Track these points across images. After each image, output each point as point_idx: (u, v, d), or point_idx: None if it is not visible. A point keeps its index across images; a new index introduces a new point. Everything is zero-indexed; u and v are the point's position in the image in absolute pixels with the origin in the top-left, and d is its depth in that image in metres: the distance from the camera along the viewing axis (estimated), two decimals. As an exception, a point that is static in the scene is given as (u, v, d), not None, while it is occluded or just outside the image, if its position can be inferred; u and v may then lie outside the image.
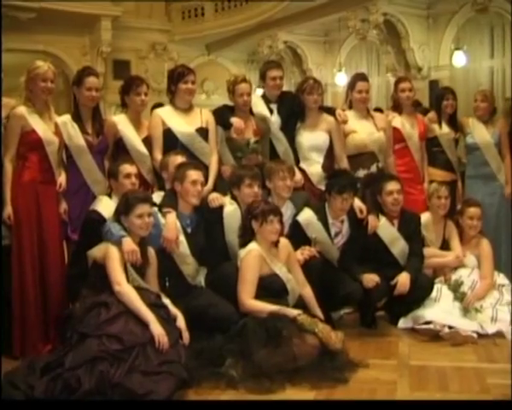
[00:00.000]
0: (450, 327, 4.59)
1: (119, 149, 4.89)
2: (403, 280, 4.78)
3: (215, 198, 4.61)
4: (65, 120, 4.70)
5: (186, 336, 3.86)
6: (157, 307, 3.81)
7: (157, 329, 3.61)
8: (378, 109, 7.14)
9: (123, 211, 4.03)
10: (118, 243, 3.93)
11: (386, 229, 5.01)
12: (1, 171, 4.42)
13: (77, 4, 12.47)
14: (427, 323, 4.67)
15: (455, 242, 5.30)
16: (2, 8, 11.44)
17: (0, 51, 5.35)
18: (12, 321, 4.39)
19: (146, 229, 4.04)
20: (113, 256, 3.88)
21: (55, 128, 4.61)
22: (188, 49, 14.57)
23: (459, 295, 4.86)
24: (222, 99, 7.58)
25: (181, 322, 3.90)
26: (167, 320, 3.79)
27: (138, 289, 3.86)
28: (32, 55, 11.00)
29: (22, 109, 4.46)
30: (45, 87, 4.51)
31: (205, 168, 4.74)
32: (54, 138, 4.56)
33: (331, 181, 4.90)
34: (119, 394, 3.31)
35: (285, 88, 5.59)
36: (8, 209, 4.36)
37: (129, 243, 3.94)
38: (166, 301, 3.98)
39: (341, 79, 12.37)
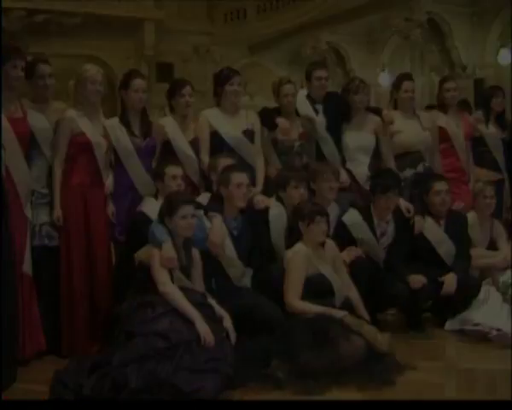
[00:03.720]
0: (498, 329, 4.52)
1: (167, 152, 4.91)
2: (449, 281, 4.73)
3: (261, 200, 4.62)
4: (113, 123, 4.74)
5: (233, 336, 3.87)
6: (202, 307, 3.83)
7: (202, 327, 3.63)
8: (431, 107, 7.04)
9: (167, 212, 4.03)
10: (160, 246, 3.95)
11: (432, 229, 4.97)
12: (50, 173, 4.50)
13: (120, 9, 12.67)
14: (475, 325, 4.61)
15: (502, 242, 5.23)
16: (49, 14, 11.76)
17: None
18: (60, 321, 4.46)
19: (190, 230, 4.04)
20: (156, 258, 3.90)
21: (103, 131, 4.67)
22: (230, 51, 14.65)
23: (508, 297, 4.78)
24: (265, 101, 7.60)
25: (228, 323, 3.90)
26: (213, 319, 3.81)
27: (183, 289, 3.88)
28: (77, 60, 11.20)
29: (72, 112, 4.52)
30: (94, 89, 4.56)
31: (251, 170, 4.76)
32: (102, 141, 4.60)
33: (375, 181, 4.88)
34: (166, 391, 3.33)
35: (328, 89, 5.57)
36: (58, 211, 4.42)
37: (167, 251, 3.92)
38: (212, 301, 3.99)
39: (385, 79, 12.31)
